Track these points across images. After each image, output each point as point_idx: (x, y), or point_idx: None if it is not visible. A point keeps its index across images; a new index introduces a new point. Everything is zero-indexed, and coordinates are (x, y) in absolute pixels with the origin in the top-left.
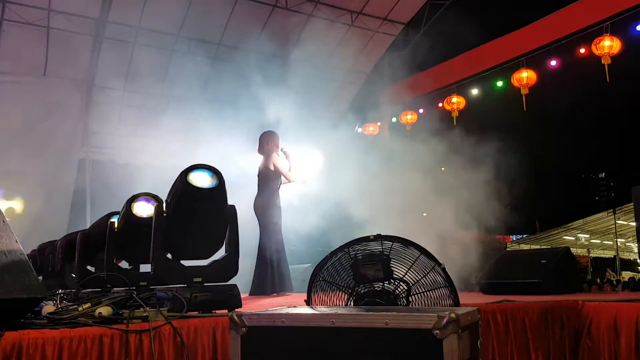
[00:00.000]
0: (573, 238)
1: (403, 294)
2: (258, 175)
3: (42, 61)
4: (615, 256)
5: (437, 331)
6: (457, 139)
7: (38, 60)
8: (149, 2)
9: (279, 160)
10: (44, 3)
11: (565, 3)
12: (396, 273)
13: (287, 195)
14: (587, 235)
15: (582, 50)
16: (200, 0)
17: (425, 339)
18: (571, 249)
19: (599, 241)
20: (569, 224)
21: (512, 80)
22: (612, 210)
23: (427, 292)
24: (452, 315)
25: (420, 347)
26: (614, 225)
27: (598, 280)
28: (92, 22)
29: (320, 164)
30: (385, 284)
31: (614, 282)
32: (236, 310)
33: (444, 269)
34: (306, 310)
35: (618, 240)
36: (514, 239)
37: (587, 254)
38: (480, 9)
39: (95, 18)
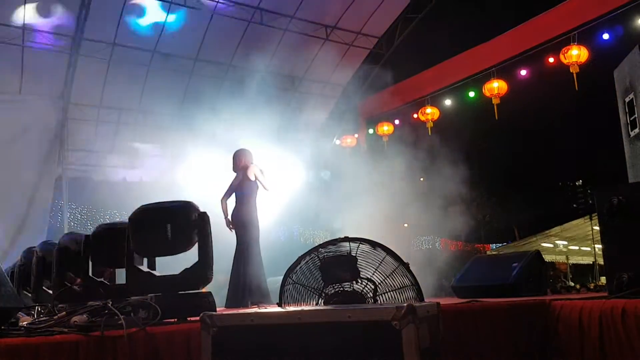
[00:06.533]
0: (551, 245)
1: (370, 293)
2: (235, 191)
3: (18, 79)
4: (593, 262)
5: (396, 322)
6: (433, 149)
7: (13, 78)
8: (124, 19)
9: (258, 171)
10: (18, 21)
11: (534, 14)
12: (364, 273)
13: (269, 206)
14: (565, 242)
15: (551, 60)
16: (176, 16)
17: (385, 330)
18: (550, 255)
19: (577, 247)
20: (547, 231)
21: (483, 90)
22: (589, 216)
23: (394, 291)
24: (410, 306)
25: (381, 337)
26: (591, 232)
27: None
28: (68, 40)
29: (300, 176)
30: (354, 284)
31: (590, 287)
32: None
33: (408, 268)
34: (274, 309)
35: (596, 246)
36: (494, 247)
37: (566, 261)
38: (451, 22)
39: (71, 35)
